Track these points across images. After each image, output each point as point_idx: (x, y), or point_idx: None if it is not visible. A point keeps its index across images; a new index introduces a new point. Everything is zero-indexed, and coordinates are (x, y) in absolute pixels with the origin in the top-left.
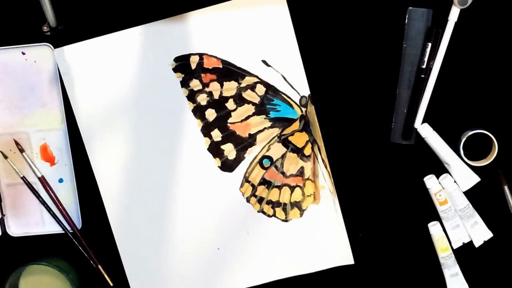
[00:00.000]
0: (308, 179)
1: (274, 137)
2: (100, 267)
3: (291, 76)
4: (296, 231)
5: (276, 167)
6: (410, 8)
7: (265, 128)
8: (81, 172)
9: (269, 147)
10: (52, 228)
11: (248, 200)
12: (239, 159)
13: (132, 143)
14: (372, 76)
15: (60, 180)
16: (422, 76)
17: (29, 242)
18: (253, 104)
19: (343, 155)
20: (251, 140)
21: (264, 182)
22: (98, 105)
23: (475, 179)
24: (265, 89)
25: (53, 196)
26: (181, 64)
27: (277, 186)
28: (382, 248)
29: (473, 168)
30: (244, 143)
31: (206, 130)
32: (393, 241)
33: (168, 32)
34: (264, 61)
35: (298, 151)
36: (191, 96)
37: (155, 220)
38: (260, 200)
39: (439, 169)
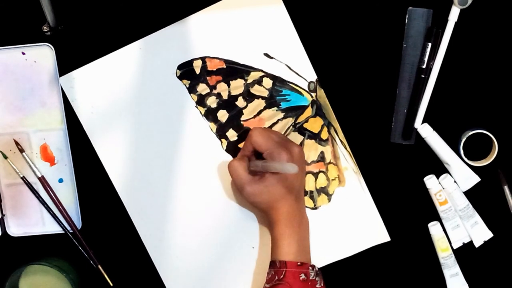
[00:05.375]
0: (330, 163)
1: (289, 127)
2: (100, 267)
3: (295, 64)
4: (327, 217)
5: None
6: (410, 8)
7: (278, 120)
8: (81, 172)
9: None
10: (52, 228)
11: None
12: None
13: (146, 157)
14: (372, 76)
15: (60, 180)
16: (422, 76)
17: (29, 242)
18: (263, 98)
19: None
20: None
21: None
22: (110, 126)
23: (475, 179)
24: (271, 81)
25: (53, 196)
26: (185, 70)
27: None
28: (382, 248)
29: (473, 168)
30: None
31: (221, 131)
32: (393, 241)
33: (167, 42)
34: (266, 54)
35: (315, 137)
36: (200, 100)
37: (182, 222)
38: None
39: (439, 169)
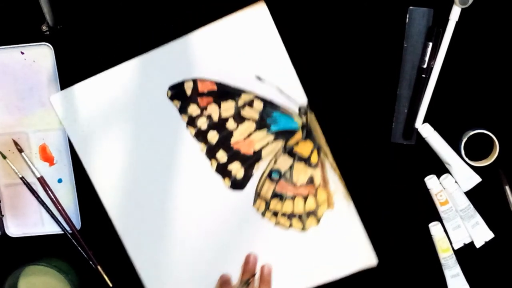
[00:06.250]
0: (319, 186)
1: (279, 150)
2: (99, 267)
3: (286, 87)
4: (315, 239)
5: (285, 179)
6: (411, 7)
7: (268, 142)
8: (80, 172)
9: (275, 160)
10: (51, 228)
11: (263, 215)
12: (247, 176)
13: (137, 177)
14: (372, 76)
15: (59, 181)
16: (423, 75)
17: (28, 243)
18: (253, 120)
19: (343, 156)
20: (257, 156)
21: (276, 195)
22: (102, 146)
23: (476, 179)
24: (262, 104)
25: (52, 197)
26: (177, 92)
27: (290, 198)
28: (383, 248)
29: (474, 168)
30: (250, 160)
31: (211, 153)
32: (393, 241)
33: (160, 62)
34: (257, 77)
35: (305, 160)
36: (191, 121)
37: (170, 244)
38: (275, 214)
39: (440, 169)
